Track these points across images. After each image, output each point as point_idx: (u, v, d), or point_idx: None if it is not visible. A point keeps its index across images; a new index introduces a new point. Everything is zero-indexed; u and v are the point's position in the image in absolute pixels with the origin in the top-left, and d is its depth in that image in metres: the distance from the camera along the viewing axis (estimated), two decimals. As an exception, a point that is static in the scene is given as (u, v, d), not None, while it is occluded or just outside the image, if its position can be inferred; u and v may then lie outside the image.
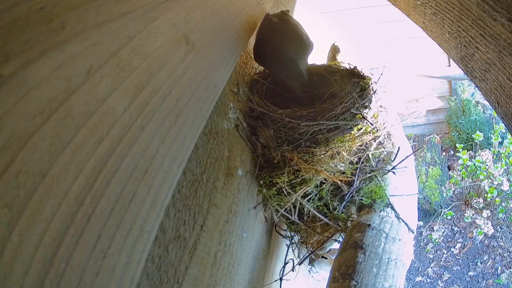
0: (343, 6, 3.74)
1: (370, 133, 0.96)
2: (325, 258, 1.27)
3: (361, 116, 0.96)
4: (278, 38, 0.94)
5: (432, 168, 3.91)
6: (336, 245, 1.13)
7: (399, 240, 0.93)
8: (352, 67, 1.11)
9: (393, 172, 1.02)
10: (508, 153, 3.38)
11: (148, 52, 0.44)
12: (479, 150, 3.65)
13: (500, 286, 3.15)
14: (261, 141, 0.94)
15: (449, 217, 3.62)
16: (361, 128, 0.95)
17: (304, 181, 0.94)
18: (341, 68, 1.14)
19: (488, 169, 3.28)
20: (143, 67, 0.43)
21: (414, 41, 3.49)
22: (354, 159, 0.97)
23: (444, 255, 3.51)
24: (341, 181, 0.94)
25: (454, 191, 3.69)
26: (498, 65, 0.49)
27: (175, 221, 0.58)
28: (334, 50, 1.43)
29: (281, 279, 1.04)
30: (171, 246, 0.56)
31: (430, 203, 3.69)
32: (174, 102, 0.48)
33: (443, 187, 3.64)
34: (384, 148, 1.02)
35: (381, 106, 1.01)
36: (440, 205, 3.69)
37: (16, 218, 0.27)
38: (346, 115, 0.94)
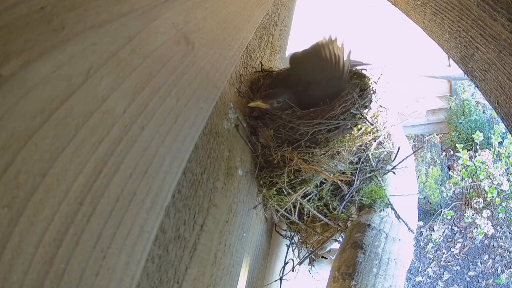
0: (343, 6, 3.74)
1: (370, 133, 0.96)
2: (325, 258, 1.27)
3: (361, 116, 0.95)
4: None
5: (432, 168, 3.91)
6: (336, 245, 1.13)
7: (399, 240, 0.93)
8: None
9: (393, 172, 1.02)
10: (508, 153, 3.38)
11: (148, 52, 0.44)
12: (479, 150, 3.65)
13: (500, 286, 3.15)
14: (261, 141, 0.94)
15: (449, 217, 3.62)
16: (361, 128, 0.95)
17: (304, 181, 0.93)
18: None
19: (488, 169, 3.29)
20: (143, 67, 0.43)
21: (414, 41, 3.49)
22: (354, 159, 0.97)
23: (444, 255, 3.51)
24: (341, 181, 0.94)
25: (454, 191, 3.69)
26: (498, 65, 0.49)
27: (175, 221, 0.58)
28: (334, 50, 1.42)
29: (281, 279, 1.04)
30: (171, 246, 0.56)
31: (430, 203, 3.69)
32: (174, 102, 0.48)
33: (443, 187, 3.64)
34: (384, 148, 1.02)
35: (381, 106, 1.01)
36: (440, 205, 3.70)
37: (16, 218, 0.27)
38: (346, 115, 0.94)
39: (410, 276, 3.38)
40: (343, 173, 0.96)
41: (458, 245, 3.55)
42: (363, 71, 1.07)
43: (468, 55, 0.56)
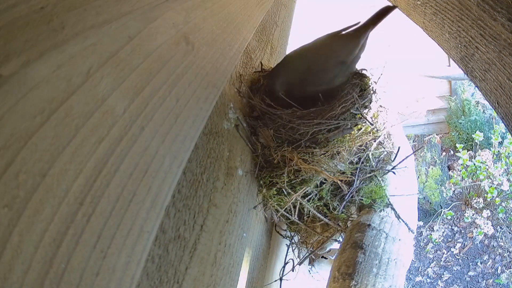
0: (343, 6, 3.74)
1: (370, 133, 0.96)
2: (325, 258, 1.27)
3: (361, 116, 0.95)
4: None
5: (432, 168, 3.91)
6: (336, 245, 1.13)
7: (399, 240, 0.93)
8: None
9: (393, 172, 1.02)
10: (508, 153, 3.38)
11: (148, 52, 0.44)
12: (479, 150, 3.65)
13: (500, 286, 3.15)
14: (261, 141, 0.94)
15: (449, 217, 3.62)
16: (361, 128, 0.95)
17: (304, 181, 0.93)
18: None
19: (488, 169, 3.29)
20: (143, 67, 0.43)
21: (414, 41, 3.49)
22: (354, 159, 0.97)
23: (444, 255, 3.51)
24: (341, 181, 0.94)
25: (454, 191, 3.69)
26: (498, 65, 0.49)
27: (175, 221, 0.58)
28: (334, 50, 1.42)
29: (281, 279, 1.04)
30: (171, 246, 0.56)
31: (430, 203, 3.69)
32: (174, 102, 0.48)
33: (443, 187, 3.64)
34: (384, 148, 1.02)
35: (381, 106, 1.01)
36: (440, 205, 3.70)
37: (16, 218, 0.27)
38: (346, 115, 0.94)
39: (410, 276, 3.38)
40: (343, 173, 0.96)
41: (458, 245, 3.55)
42: (363, 71, 1.07)
43: (468, 55, 0.56)
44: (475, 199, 3.40)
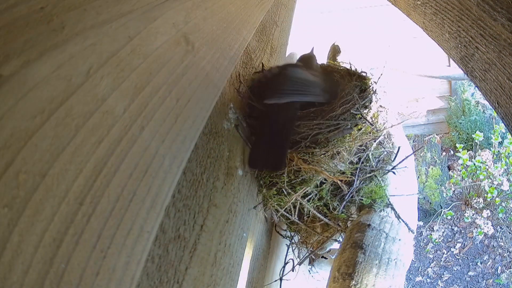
0: (343, 6, 3.74)
1: (370, 133, 0.96)
2: (325, 258, 1.27)
3: (361, 116, 0.95)
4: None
5: (432, 168, 3.91)
6: (336, 245, 1.13)
7: (399, 240, 0.93)
8: (352, 67, 1.11)
9: (393, 172, 1.02)
10: (508, 153, 3.38)
11: (148, 52, 0.44)
12: (479, 150, 3.65)
13: (500, 286, 3.15)
14: (261, 141, 0.94)
15: (449, 217, 3.62)
16: (361, 128, 0.95)
17: (304, 181, 0.93)
18: (341, 68, 1.13)
19: (488, 169, 3.28)
20: (143, 67, 0.43)
21: (414, 41, 3.49)
22: (354, 159, 0.97)
23: (444, 255, 3.50)
24: (341, 181, 0.94)
25: (454, 191, 3.69)
26: (498, 65, 0.49)
27: (175, 221, 0.58)
28: (334, 50, 1.42)
29: (281, 279, 1.04)
30: (171, 246, 0.56)
31: (430, 203, 3.69)
32: (174, 102, 0.48)
33: (443, 187, 3.64)
34: (384, 148, 1.02)
35: (381, 106, 1.01)
36: (440, 205, 3.69)
37: (16, 218, 0.27)
38: (346, 115, 0.94)
39: (410, 276, 3.38)
40: (343, 173, 0.95)
41: (458, 245, 3.55)
42: (363, 73, 1.07)
43: (468, 55, 0.56)
44: (475, 199, 3.40)
